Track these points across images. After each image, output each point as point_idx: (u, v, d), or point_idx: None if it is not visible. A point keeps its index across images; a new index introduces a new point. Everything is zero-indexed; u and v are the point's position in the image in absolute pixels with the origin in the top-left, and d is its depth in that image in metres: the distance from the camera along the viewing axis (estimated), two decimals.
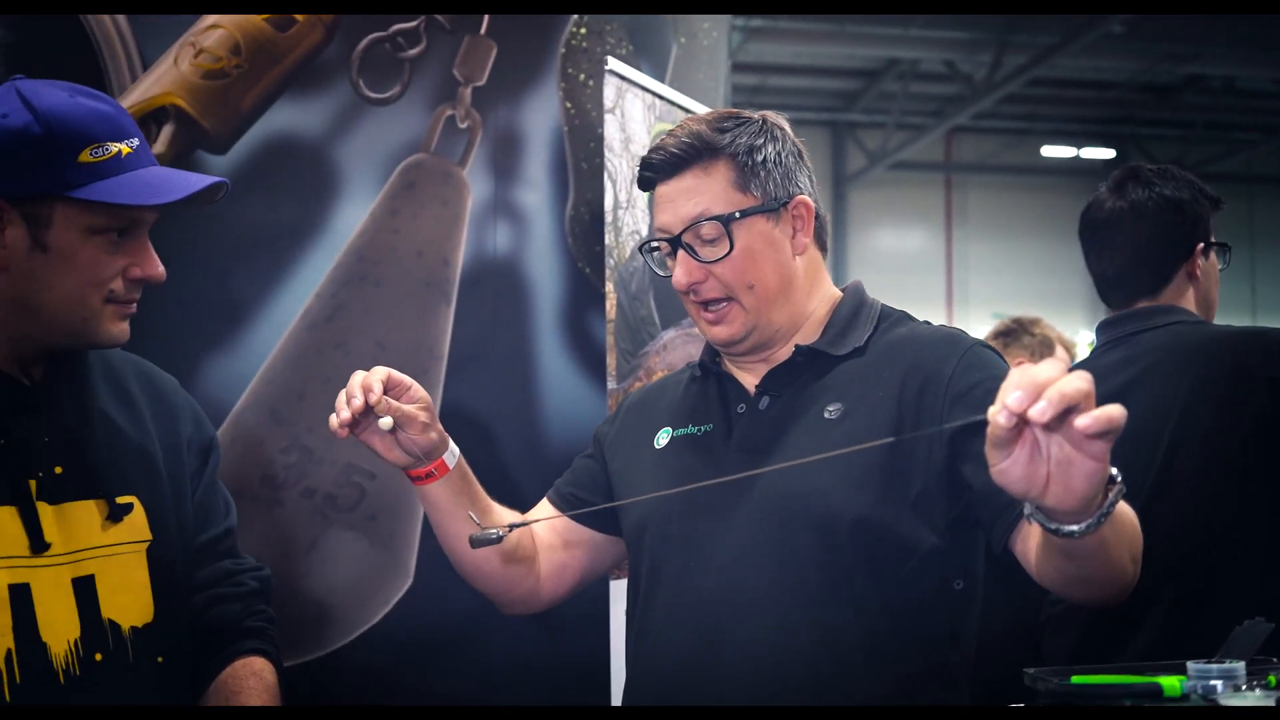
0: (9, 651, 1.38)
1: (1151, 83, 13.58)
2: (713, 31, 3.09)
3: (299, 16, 2.28)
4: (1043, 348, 3.19)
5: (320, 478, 2.26)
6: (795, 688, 1.51)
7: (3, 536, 1.40)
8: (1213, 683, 1.13)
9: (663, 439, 1.73)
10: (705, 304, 1.64)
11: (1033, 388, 1.06)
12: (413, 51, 2.35)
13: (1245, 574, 2.00)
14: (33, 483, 1.44)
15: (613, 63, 2.47)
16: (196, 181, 1.48)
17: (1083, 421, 1.06)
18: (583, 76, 2.52)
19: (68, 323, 1.45)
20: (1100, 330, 2.26)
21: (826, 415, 1.59)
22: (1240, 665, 1.14)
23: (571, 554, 1.79)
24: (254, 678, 1.58)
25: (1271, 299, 15.66)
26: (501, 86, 2.41)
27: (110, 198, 1.40)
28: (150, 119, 2.20)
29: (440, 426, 1.61)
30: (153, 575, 1.53)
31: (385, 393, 1.53)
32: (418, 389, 1.59)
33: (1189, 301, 2.19)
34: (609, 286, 2.47)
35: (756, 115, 1.68)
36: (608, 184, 2.46)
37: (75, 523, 1.46)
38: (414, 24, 2.35)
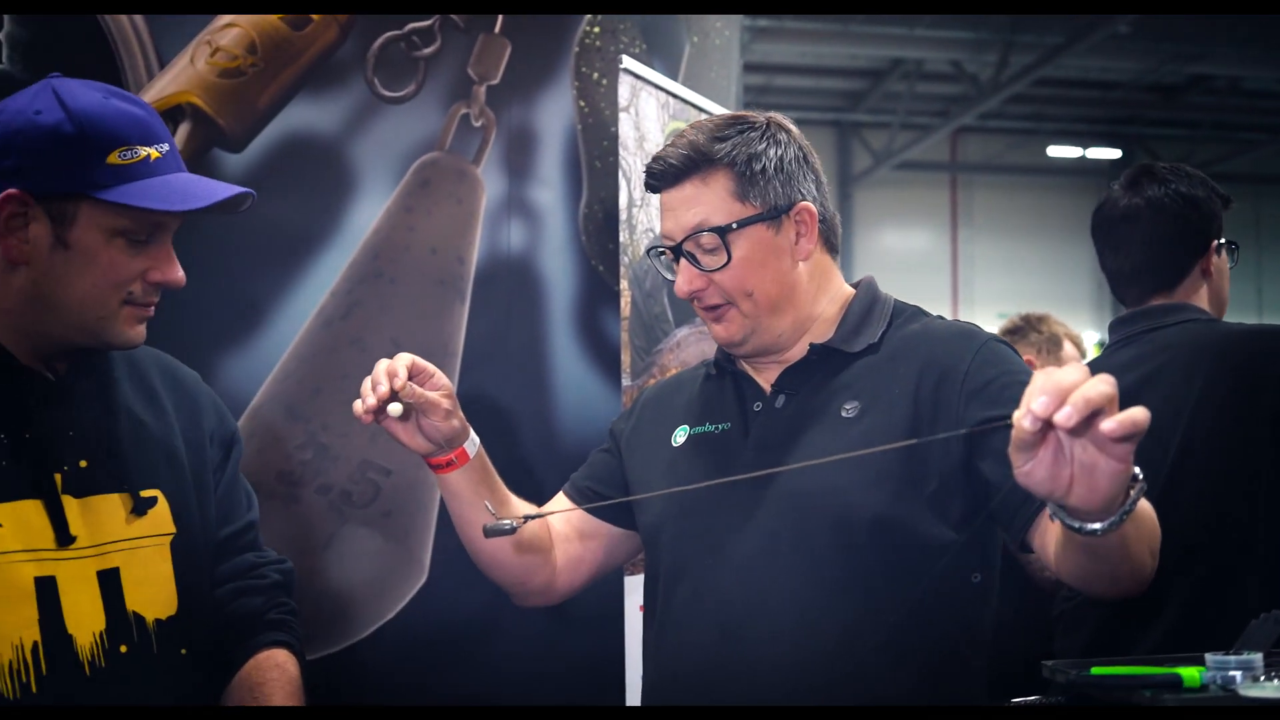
0: (35, 643, 1.39)
1: (1157, 83, 13.57)
2: (725, 31, 3.09)
3: (314, 15, 2.29)
4: (1050, 344, 3.19)
5: (336, 474, 2.27)
6: (815, 684, 1.52)
7: (29, 529, 1.41)
8: (1231, 673, 1.14)
9: (680, 437, 1.74)
10: (706, 307, 1.66)
11: (1057, 392, 1.08)
12: (427, 50, 2.36)
13: (1258, 569, 2.01)
14: (58, 476, 1.45)
15: (628, 61, 2.48)
16: (221, 191, 1.49)
17: (1108, 425, 1.07)
18: (596, 75, 2.53)
19: (85, 321, 1.46)
20: (1113, 328, 2.27)
21: (843, 413, 1.60)
22: (1258, 656, 1.15)
23: (587, 546, 1.80)
24: (277, 670, 1.59)
25: (1278, 298, 15.65)
26: (515, 85, 2.42)
27: (134, 201, 1.42)
28: (167, 117, 2.20)
29: (462, 415, 1.63)
30: (176, 568, 1.54)
31: (409, 378, 1.55)
32: (440, 376, 1.60)
33: (1202, 298, 2.20)
34: (623, 284, 2.48)
35: (762, 119, 1.68)
36: (622, 182, 2.47)
37: (100, 516, 1.48)
38: (429, 23, 2.36)
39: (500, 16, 2.40)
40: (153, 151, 1.45)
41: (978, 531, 1.57)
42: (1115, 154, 15.87)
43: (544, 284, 2.45)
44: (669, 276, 1.71)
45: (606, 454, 1.85)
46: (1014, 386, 1.53)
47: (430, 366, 1.60)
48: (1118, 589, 1.41)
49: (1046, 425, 1.09)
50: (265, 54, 2.26)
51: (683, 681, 1.61)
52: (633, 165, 2.50)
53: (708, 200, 1.62)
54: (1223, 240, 2.23)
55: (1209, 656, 1.16)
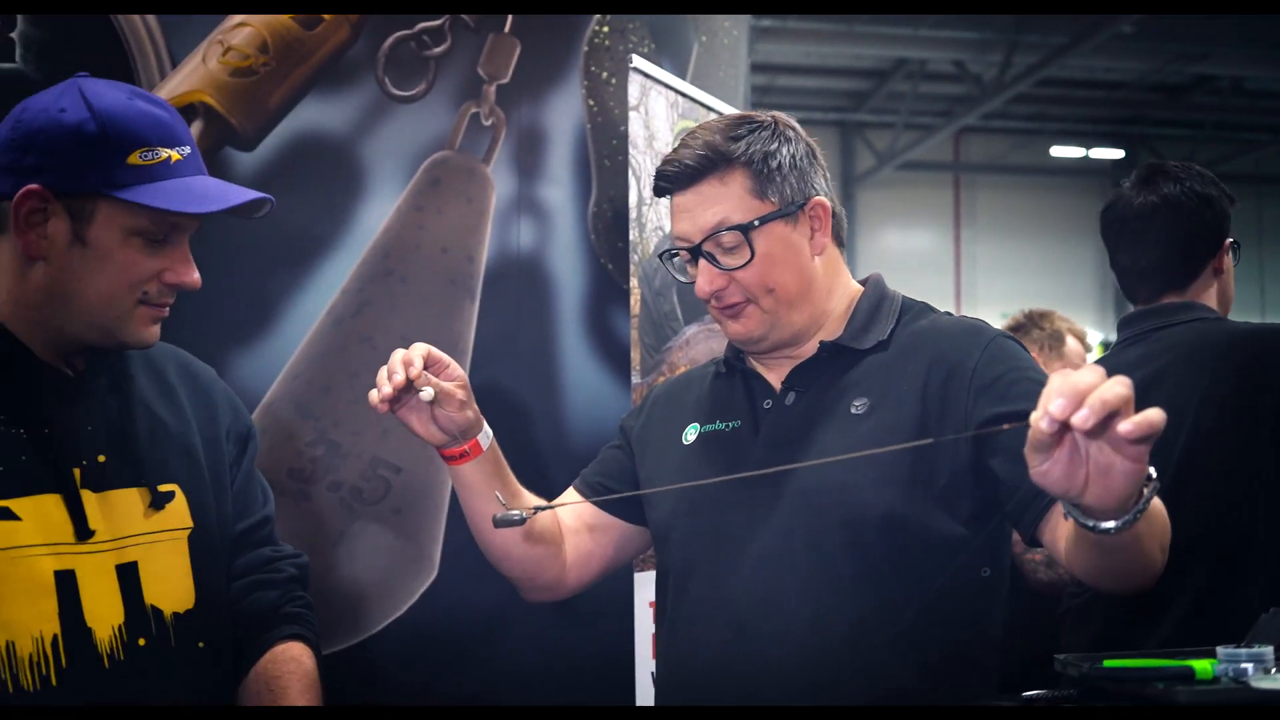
0: (55, 636, 1.40)
1: (1161, 83, 13.58)
2: (733, 30, 3.10)
3: (326, 15, 2.30)
4: (1054, 341, 3.19)
5: (347, 471, 2.28)
6: (826, 681, 1.53)
7: (48, 524, 1.42)
8: (1243, 665, 1.15)
9: (691, 435, 1.75)
10: (725, 305, 1.66)
11: (1074, 395, 1.08)
12: (438, 50, 2.37)
13: (1265, 566, 2.02)
14: (77, 471, 1.46)
15: (637, 60, 2.49)
16: (239, 195, 1.51)
17: (1125, 427, 1.08)
18: (605, 74, 2.54)
19: (99, 320, 1.47)
20: (1122, 326, 2.28)
21: (853, 410, 1.61)
22: (1269, 649, 1.16)
23: (597, 541, 1.81)
24: (293, 663, 1.60)
25: None
26: (525, 84, 2.43)
27: (152, 201, 1.43)
28: None
29: (476, 406, 1.63)
30: (193, 562, 1.55)
31: (425, 369, 1.56)
32: (455, 367, 1.61)
33: (1211, 297, 2.21)
34: (633, 282, 2.49)
35: (768, 118, 1.69)
36: (631, 180, 2.48)
37: (118, 510, 1.49)
38: (439, 23, 2.37)
39: (510, 16, 2.41)
40: (174, 153, 1.46)
41: (988, 527, 1.57)
42: (1119, 154, 15.87)
43: (554, 282, 2.46)
44: (681, 278, 1.72)
45: (617, 450, 1.86)
46: (1022, 382, 1.55)
47: (445, 357, 1.60)
48: (1128, 585, 1.42)
49: (1063, 426, 1.10)
50: (277, 53, 2.28)
51: (695, 679, 1.62)
52: (642, 164, 2.51)
53: (727, 199, 1.63)
54: (1231, 239, 2.24)
55: (1220, 649, 1.17)
